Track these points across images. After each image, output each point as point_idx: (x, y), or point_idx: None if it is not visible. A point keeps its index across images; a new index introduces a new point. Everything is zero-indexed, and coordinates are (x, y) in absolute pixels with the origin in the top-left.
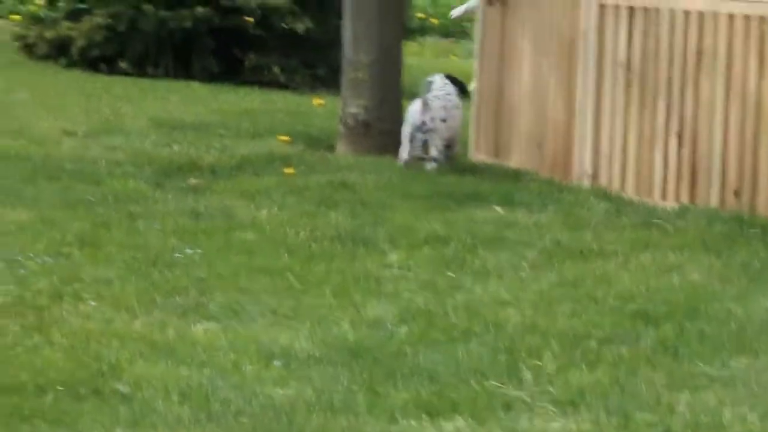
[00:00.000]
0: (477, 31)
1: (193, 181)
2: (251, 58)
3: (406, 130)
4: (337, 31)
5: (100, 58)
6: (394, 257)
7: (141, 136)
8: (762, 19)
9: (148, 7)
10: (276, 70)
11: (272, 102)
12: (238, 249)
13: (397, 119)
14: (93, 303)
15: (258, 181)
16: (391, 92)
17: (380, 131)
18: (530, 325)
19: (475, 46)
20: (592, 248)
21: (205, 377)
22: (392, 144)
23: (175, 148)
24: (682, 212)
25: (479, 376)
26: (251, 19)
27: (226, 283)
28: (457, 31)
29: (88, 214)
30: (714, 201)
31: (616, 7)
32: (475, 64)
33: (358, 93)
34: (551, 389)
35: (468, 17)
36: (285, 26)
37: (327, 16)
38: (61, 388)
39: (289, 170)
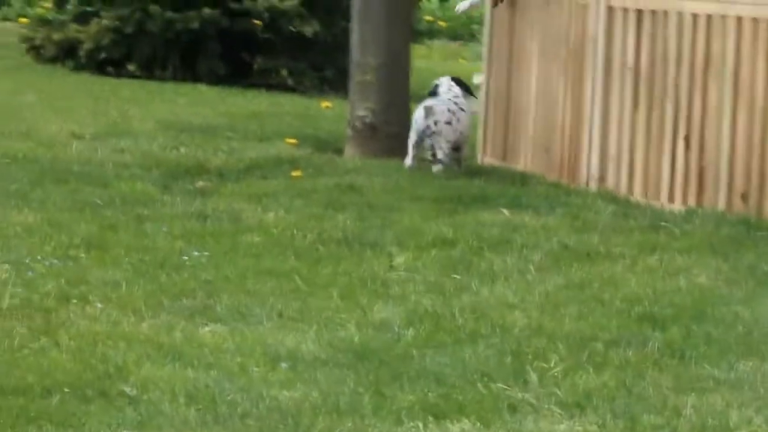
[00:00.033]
0: (485, 34)
1: (200, 183)
2: (259, 61)
3: (411, 137)
4: (345, 34)
5: (108, 61)
6: (401, 260)
7: (148, 139)
8: None
9: (154, 8)
10: (284, 72)
11: (280, 105)
12: (245, 252)
13: (405, 122)
14: (100, 305)
15: (265, 184)
16: (398, 95)
17: (388, 134)
18: (537, 327)
19: (484, 49)
20: (599, 251)
21: (212, 379)
22: (400, 147)
23: (183, 150)
24: (689, 215)
25: (486, 378)
26: (260, 23)
27: (233, 285)
28: (465, 34)
29: (96, 217)
30: (721, 204)
31: (625, 11)
32: (483, 67)
33: (366, 96)
34: (558, 392)
35: (474, 11)
36: (293, 29)
37: (335, 19)
38: (67, 390)
39: (296, 173)
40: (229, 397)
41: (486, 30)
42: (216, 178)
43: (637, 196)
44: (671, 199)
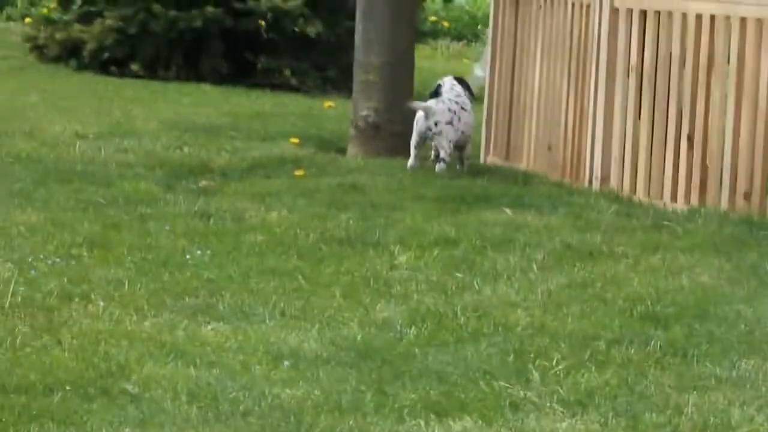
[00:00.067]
0: (489, 34)
1: (203, 183)
2: (263, 61)
3: (413, 138)
4: (348, 34)
5: (111, 61)
6: (403, 259)
7: (152, 139)
8: None
9: (157, 7)
10: (287, 72)
11: (283, 104)
12: (248, 251)
13: (408, 121)
14: (102, 304)
15: (268, 184)
16: (401, 95)
17: (391, 133)
18: (539, 326)
19: (487, 49)
20: (601, 250)
21: (214, 377)
22: (403, 146)
23: (186, 150)
24: (692, 214)
25: (488, 376)
26: (263, 23)
27: (235, 284)
28: (469, 34)
29: (99, 216)
30: (724, 203)
31: (629, 11)
32: (487, 68)
33: (369, 95)
34: (560, 390)
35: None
36: (296, 29)
37: (338, 19)
38: (69, 388)
39: (299, 172)
40: (231, 396)
41: (490, 30)
42: (219, 178)
43: (640, 195)
44: (674, 198)
